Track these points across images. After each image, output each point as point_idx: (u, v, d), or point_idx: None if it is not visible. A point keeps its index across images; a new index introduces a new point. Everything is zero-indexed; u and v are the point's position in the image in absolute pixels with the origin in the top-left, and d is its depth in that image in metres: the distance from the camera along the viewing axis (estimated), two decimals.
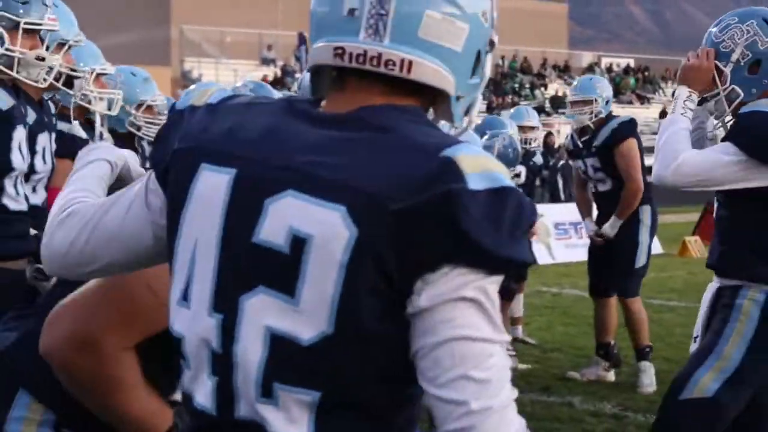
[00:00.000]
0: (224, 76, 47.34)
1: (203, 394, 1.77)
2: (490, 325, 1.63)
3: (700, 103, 3.96)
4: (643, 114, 55.09)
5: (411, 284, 1.63)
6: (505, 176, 1.64)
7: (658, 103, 57.12)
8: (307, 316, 1.67)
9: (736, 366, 3.73)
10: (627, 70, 61.45)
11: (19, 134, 3.82)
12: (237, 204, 1.72)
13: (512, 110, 9.66)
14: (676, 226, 22.84)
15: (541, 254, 17.20)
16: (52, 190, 4.31)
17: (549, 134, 24.70)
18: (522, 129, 8.51)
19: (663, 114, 53.73)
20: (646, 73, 61.08)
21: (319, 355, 1.67)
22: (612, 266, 8.07)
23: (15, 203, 3.69)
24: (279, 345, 1.69)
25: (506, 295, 8.33)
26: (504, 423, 1.60)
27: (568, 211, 18.57)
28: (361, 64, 1.74)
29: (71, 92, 4.56)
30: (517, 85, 54.56)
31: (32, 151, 4.14)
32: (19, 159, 3.75)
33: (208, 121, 1.82)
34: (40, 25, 3.92)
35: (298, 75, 45.45)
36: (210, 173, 1.75)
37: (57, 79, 4.26)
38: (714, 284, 4.13)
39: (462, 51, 1.78)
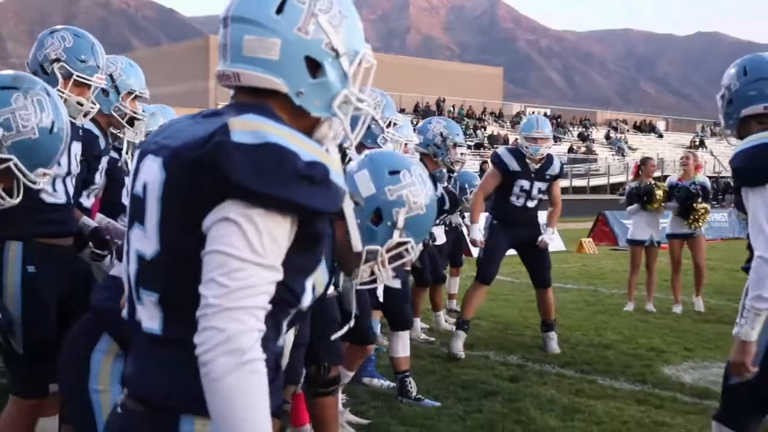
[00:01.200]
0: None
1: None
2: (248, 246, 1.66)
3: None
4: (556, 149, 55.18)
5: (203, 213, 1.69)
6: (273, 136, 1.69)
7: (567, 141, 57.23)
8: (149, 239, 1.79)
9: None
10: (545, 117, 61.53)
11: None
12: (134, 171, 1.90)
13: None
14: (575, 231, 22.87)
15: (476, 249, 17.18)
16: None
17: (484, 162, 24.67)
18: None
19: (570, 149, 53.85)
20: (559, 119, 61.14)
21: (156, 267, 1.78)
22: (545, 263, 7.94)
23: (51, 197, 3.66)
24: (140, 261, 1.82)
25: (423, 282, 8.15)
26: (229, 319, 1.63)
27: None
28: (221, 80, 1.89)
29: (133, 131, 4.46)
30: (463, 127, 54.44)
31: (97, 168, 4.17)
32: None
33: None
34: (88, 80, 3.91)
35: None
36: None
37: (123, 118, 4.30)
38: None
39: (281, 58, 1.83)
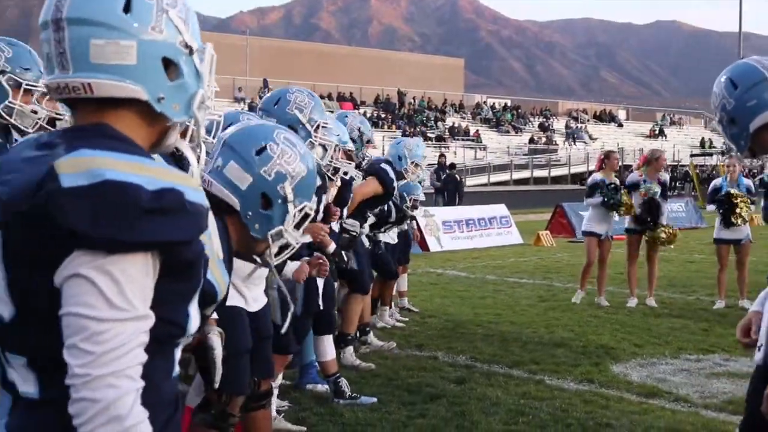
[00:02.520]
0: None
1: None
2: (106, 303, 1.49)
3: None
4: (516, 140, 55.37)
5: (53, 269, 1.51)
6: (110, 171, 1.49)
7: (527, 132, 57.41)
8: (1, 301, 1.59)
9: None
10: (505, 108, 61.61)
11: None
12: None
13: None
14: (533, 223, 22.88)
15: (433, 244, 17.19)
16: None
17: (442, 155, 24.66)
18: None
19: (531, 140, 54.05)
20: (519, 110, 61.32)
21: (16, 329, 1.59)
22: None
23: None
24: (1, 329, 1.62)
25: (361, 289, 7.19)
26: (102, 387, 1.47)
27: (454, 212, 18.62)
28: (60, 93, 1.64)
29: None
30: (425, 119, 54.41)
31: None
32: None
33: None
34: (36, 86, 3.77)
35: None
36: None
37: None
38: None
39: (138, 62, 1.63)
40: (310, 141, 4.46)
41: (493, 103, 63.15)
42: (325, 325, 5.83)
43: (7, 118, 3.59)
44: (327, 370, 5.97)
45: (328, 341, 5.98)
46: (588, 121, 63.60)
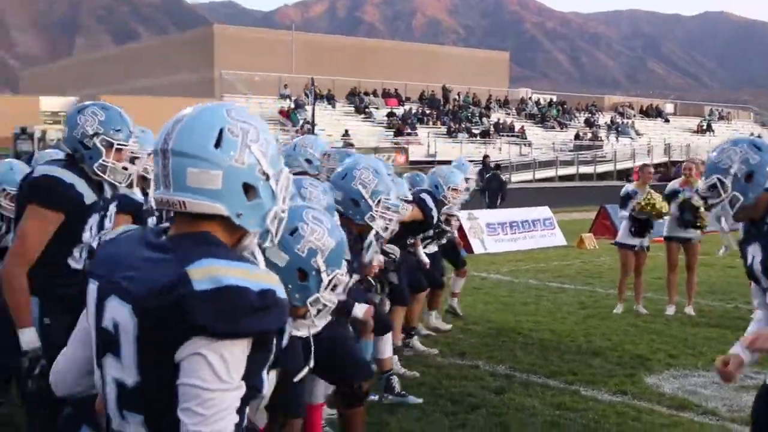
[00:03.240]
0: (253, 107, 47.35)
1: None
2: (216, 377, 1.93)
3: (707, 209, 3.80)
4: (561, 136, 55.31)
5: (176, 349, 1.95)
6: (228, 278, 1.93)
7: (573, 128, 57.30)
8: (127, 371, 2.05)
9: None
10: (551, 103, 61.54)
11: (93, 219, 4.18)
12: (96, 304, 2.12)
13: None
14: (577, 222, 23.05)
15: (477, 246, 17.53)
16: None
17: (486, 156, 24.91)
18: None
19: (577, 136, 53.89)
20: (565, 105, 61.19)
21: (138, 393, 2.04)
22: None
23: (75, 264, 4.02)
24: (120, 387, 2.08)
25: (401, 301, 7.82)
26: None
27: (498, 215, 18.91)
28: (162, 206, 2.09)
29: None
30: (469, 115, 54.56)
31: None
32: (87, 235, 4.09)
33: (101, 250, 2.25)
34: (126, 146, 4.20)
35: (307, 107, 45.60)
36: (90, 285, 2.18)
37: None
38: None
39: (222, 187, 2.06)
40: (371, 214, 4.94)
41: (538, 99, 63.05)
42: (382, 327, 6.32)
43: (102, 174, 4.03)
44: (383, 366, 6.53)
45: (386, 341, 6.52)
46: (634, 116, 63.24)
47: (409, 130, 48.92)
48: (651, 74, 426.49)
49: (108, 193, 4.23)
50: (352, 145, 44.71)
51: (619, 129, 57.94)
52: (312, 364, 3.62)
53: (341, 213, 4.91)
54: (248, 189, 2.11)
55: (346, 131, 46.19)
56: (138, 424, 2.06)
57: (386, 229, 5.14)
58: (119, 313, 2.05)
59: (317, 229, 3.10)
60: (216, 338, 1.93)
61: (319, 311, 3.16)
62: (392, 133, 48.67)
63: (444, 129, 50.92)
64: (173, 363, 1.96)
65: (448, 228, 9.11)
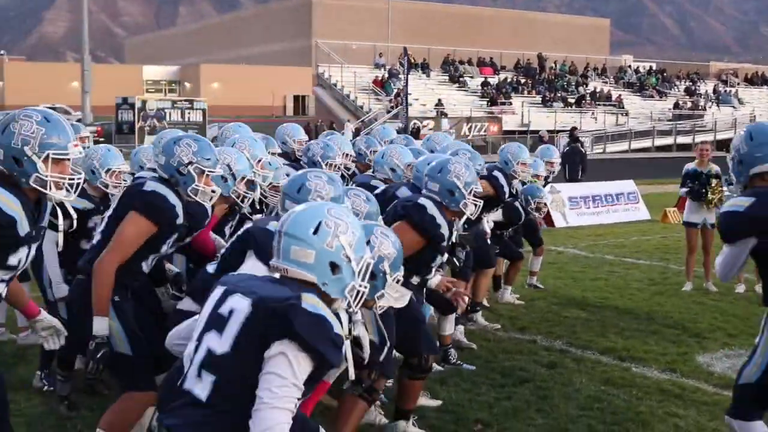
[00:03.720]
0: (347, 76, 47.85)
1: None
2: (292, 373, 2.87)
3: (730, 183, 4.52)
4: (660, 105, 54.29)
5: (269, 343, 2.90)
6: (324, 312, 2.94)
7: (673, 96, 56.15)
8: (222, 343, 2.99)
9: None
10: (650, 71, 60.36)
11: None
12: (219, 299, 3.12)
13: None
14: (668, 195, 22.77)
15: (558, 220, 17.66)
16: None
17: (574, 128, 24.80)
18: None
19: (676, 105, 52.75)
20: (665, 74, 59.93)
21: (220, 360, 2.96)
22: None
23: (146, 267, 4.67)
24: (209, 353, 3.01)
25: (487, 264, 8.55)
26: (270, 412, 2.84)
27: (580, 188, 18.95)
28: (275, 271, 3.15)
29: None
30: (565, 83, 54.00)
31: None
32: (164, 248, 4.70)
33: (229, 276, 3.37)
34: (214, 172, 4.75)
35: (401, 76, 45.82)
36: (217, 288, 3.21)
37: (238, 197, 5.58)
38: None
39: (314, 262, 3.06)
40: (464, 202, 5.46)
41: (637, 67, 61.88)
42: (446, 307, 6.87)
43: (193, 196, 4.57)
44: (443, 341, 7.14)
45: (449, 320, 7.21)
46: (738, 84, 61.48)
47: (503, 100, 48.75)
48: (763, 39, 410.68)
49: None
50: (445, 114, 44.96)
51: (720, 98, 56.43)
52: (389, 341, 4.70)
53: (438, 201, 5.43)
54: (334, 267, 3.08)
55: (439, 101, 46.35)
56: (209, 382, 2.93)
57: (474, 213, 5.62)
58: (239, 303, 2.98)
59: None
60: (300, 347, 2.87)
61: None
62: (486, 103, 48.60)
63: (539, 98, 50.58)
64: (260, 350, 2.89)
65: (537, 214, 9.48)
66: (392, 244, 4.06)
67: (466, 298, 5.97)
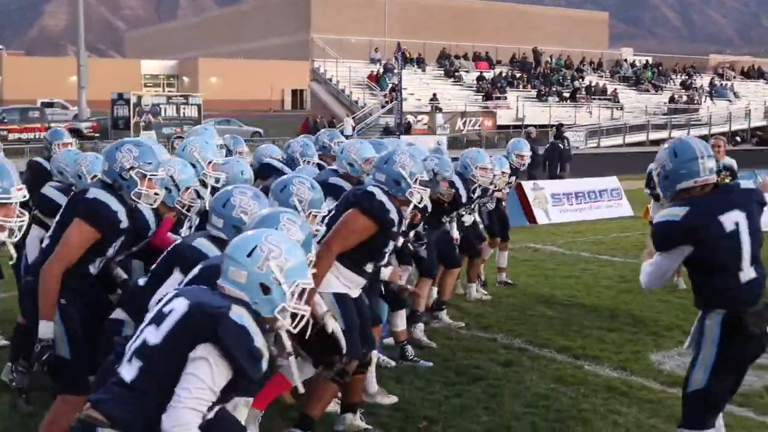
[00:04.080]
0: (342, 71, 47.99)
1: None
2: (210, 376, 3.21)
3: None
4: (655, 99, 54.41)
5: (196, 344, 3.23)
6: (248, 324, 3.30)
7: (669, 90, 56.28)
8: (156, 335, 3.32)
9: (713, 363, 4.30)
10: (646, 65, 60.47)
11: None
12: (168, 300, 3.47)
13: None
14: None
15: (540, 216, 17.86)
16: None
17: (561, 124, 24.89)
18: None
19: (672, 99, 52.79)
20: (660, 67, 60.04)
21: (150, 350, 3.30)
22: None
23: (93, 270, 4.88)
24: (143, 343, 3.33)
25: (427, 273, 8.40)
26: (182, 412, 3.17)
27: (563, 185, 19.14)
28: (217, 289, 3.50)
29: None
30: (560, 78, 54.14)
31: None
32: (111, 251, 4.92)
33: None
34: (157, 175, 4.93)
35: (396, 71, 45.90)
36: (176, 300, 3.54)
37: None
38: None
39: (245, 282, 3.39)
40: (410, 191, 5.62)
41: (633, 60, 61.98)
42: (396, 302, 7.18)
43: (136, 199, 4.81)
44: (397, 338, 7.42)
45: (400, 315, 7.42)
46: (734, 77, 61.56)
47: (498, 94, 48.90)
48: (765, 31, 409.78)
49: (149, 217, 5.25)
50: (440, 109, 45.11)
51: (715, 91, 56.52)
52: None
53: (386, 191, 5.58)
54: (265, 288, 3.39)
55: (434, 95, 46.47)
56: (136, 368, 3.27)
57: (421, 201, 5.77)
58: (180, 304, 3.33)
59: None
60: (221, 353, 3.20)
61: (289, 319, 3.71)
62: (481, 97, 48.75)
63: (534, 93, 50.72)
64: (186, 349, 3.22)
65: (486, 199, 9.54)
66: (299, 229, 4.16)
67: (414, 294, 6.25)
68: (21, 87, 66.17)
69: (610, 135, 47.63)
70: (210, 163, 6.17)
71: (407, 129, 40.43)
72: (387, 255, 5.81)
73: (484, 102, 48.05)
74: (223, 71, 76.11)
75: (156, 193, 4.88)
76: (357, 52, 51.72)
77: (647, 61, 62.20)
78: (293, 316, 3.53)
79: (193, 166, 5.98)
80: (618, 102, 51.93)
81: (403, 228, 5.94)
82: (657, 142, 46.69)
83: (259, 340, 3.31)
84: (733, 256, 4.33)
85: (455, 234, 8.67)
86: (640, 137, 47.68)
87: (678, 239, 4.31)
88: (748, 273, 4.35)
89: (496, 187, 9.53)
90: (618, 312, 9.38)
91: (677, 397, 6.39)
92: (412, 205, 5.75)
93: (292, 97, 77.63)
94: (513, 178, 10.64)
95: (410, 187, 5.64)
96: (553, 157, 21.19)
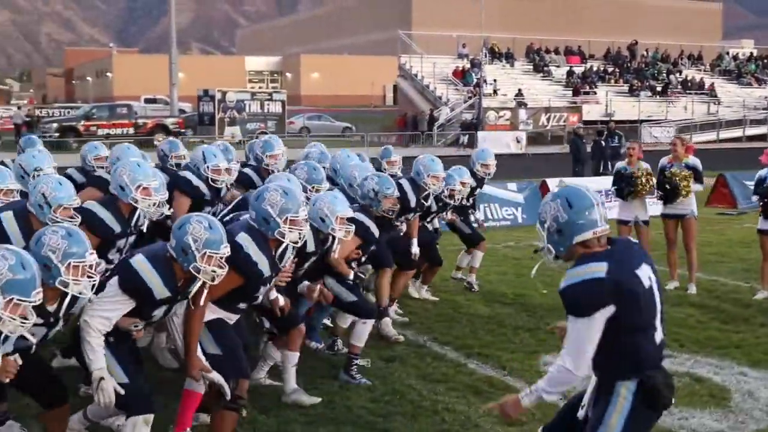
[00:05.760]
0: (426, 67, 48.23)
1: None
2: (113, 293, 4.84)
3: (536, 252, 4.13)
4: (758, 93, 52.62)
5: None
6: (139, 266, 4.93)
7: None
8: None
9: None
10: (749, 58, 58.44)
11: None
12: None
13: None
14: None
15: None
16: None
17: (610, 120, 24.59)
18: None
19: None
20: (765, 60, 57.92)
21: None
22: None
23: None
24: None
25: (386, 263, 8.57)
26: (90, 319, 4.74)
27: (595, 182, 18.90)
28: None
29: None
30: (656, 72, 52.95)
31: None
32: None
33: None
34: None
35: (485, 65, 45.92)
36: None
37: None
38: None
39: (174, 246, 4.94)
40: (279, 231, 5.52)
41: (736, 53, 59.97)
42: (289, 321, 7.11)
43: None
44: (336, 332, 8.04)
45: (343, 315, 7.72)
46: None
47: (587, 89, 48.24)
48: None
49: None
50: (524, 104, 44.85)
51: None
52: None
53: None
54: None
55: (519, 91, 46.22)
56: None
57: (298, 240, 5.67)
58: None
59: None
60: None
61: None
62: (570, 92, 48.21)
63: (626, 87, 49.81)
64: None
65: (450, 201, 9.58)
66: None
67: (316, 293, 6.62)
68: (129, 84, 68.88)
69: (705, 130, 46.33)
70: (139, 187, 6.33)
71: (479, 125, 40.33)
72: (261, 297, 5.77)
73: (573, 97, 47.47)
74: (325, 67, 77.37)
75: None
76: (443, 47, 51.79)
77: (751, 53, 60.08)
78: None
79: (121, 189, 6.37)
80: (715, 96, 50.41)
81: (286, 264, 5.84)
82: (754, 138, 45.28)
83: (159, 286, 4.91)
84: (651, 315, 3.92)
85: (415, 250, 8.82)
86: (737, 133, 46.24)
87: (603, 300, 3.78)
88: (659, 333, 3.98)
89: (460, 196, 9.56)
90: (554, 310, 9.33)
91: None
92: (284, 244, 5.59)
93: (394, 93, 78.27)
94: (478, 190, 10.59)
95: (279, 227, 5.49)
96: (595, 154, 21.01)
